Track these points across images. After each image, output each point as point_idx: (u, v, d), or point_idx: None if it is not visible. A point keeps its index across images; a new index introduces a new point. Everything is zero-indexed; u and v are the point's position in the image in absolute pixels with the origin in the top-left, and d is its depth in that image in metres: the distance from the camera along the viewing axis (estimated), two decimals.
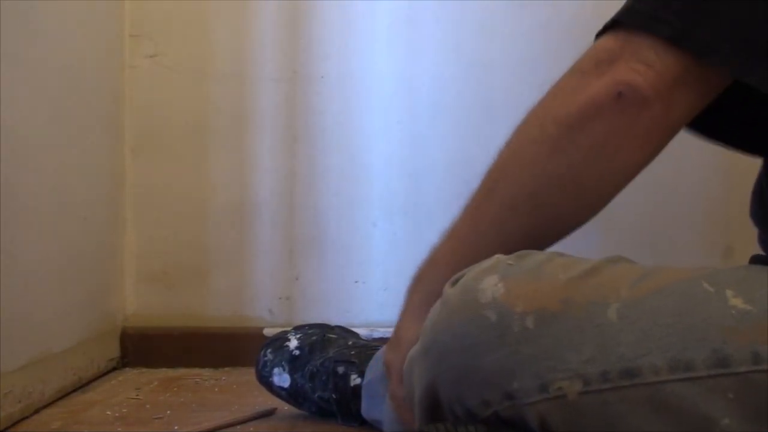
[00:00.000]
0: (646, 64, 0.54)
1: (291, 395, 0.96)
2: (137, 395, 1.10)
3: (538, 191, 0.58)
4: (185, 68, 1.31)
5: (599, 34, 0.58)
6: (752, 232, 0.67)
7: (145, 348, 1.28)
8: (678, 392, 0.46)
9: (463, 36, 1.30)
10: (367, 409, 0.88)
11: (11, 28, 0.95)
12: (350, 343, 0.96)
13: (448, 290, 0.55)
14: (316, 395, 0.93)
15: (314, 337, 0.97)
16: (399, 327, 0.65)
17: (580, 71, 0.57)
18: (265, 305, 1.32)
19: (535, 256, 0.54)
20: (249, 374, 1.02)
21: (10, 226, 0.95)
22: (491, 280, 0.52)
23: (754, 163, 0.66)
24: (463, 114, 1.30)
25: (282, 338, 0.98)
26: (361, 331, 1.14)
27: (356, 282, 1.32)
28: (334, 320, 1.13)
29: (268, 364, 0.96)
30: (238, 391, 1.12)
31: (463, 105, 1.30)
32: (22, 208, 0.98)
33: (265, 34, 1.31)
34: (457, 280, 0.55)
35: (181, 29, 1.31)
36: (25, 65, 0.99)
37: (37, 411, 1.01)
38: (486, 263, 0.55)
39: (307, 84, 1.31)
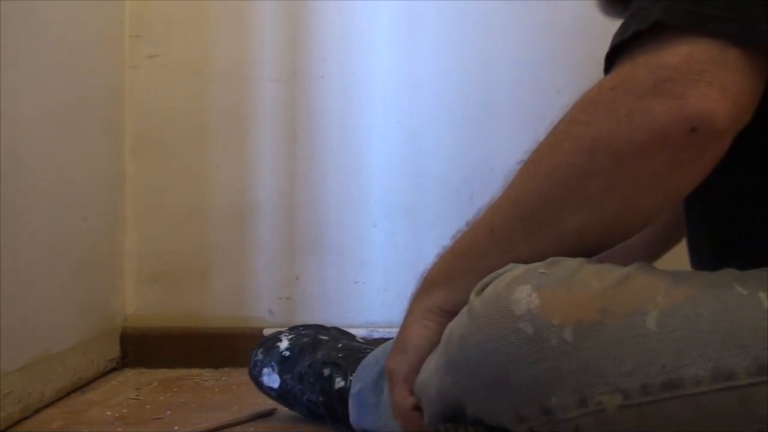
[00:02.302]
0: (720, 88, 0.46)
1: (281, 396, 0.95)
2: (137, 395, 1.10)
3: (586, 230, 0.52)
4: (185, 68, 1.31)
5: (634, 36, 0.49)
6: None
7: (145, 348, 1.28)
8: (717, 401, 0.45)
9: (463, 36, 1.30)
10: (357, 420, 0.86)
11: (11, 28, 0.95)
12: (340, 345, 0.94)
13: (475, 301, 0.52)
14: (305, 397, 0.92)
15: (305, 339, 0.96)
16: (405, 331, 0.60)
17: (632, 90, 0.48)
18: (265, 305, 1.32)
19: (566, 263, 0.51)
20: None
21: (11, 226, 0.95)
22: (524, 290, 0.50)
23: None
24: (464, 114, 1.30)
25: (274, 338, 0.97)
26: (361, 332, 1.14)
27: (356, 282, 1.32)
28: (333, 321, 1.13)
29: (258, 364, 0.96)
30: (238, 392, 1.12)
31: (463, 105, 1.30)
32: (23, 209, 0.98)
33: (265, 34, 1.31)
34: (482, 289, 0.53)
35: (181, 29, 1.31)
36: (25, 66, 0.99)
37: (37, 411, 1.01)
38: (516, 271, 0.52)
39: (307, 84, 1.31)
